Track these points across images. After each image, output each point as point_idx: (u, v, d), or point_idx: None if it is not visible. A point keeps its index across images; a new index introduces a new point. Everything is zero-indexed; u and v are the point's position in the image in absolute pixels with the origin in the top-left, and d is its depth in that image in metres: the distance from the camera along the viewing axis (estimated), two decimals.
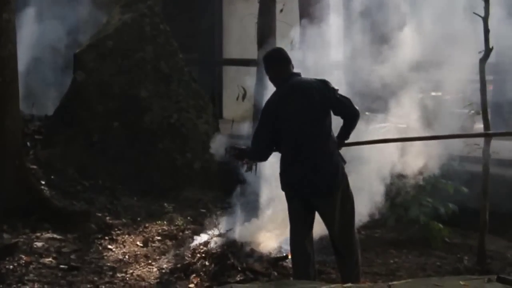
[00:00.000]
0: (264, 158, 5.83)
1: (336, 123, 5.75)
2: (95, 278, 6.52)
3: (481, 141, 6.87)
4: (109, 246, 7.40)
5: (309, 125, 5.57)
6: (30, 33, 12.04)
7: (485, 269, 6.59)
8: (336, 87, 5.65)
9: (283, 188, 5.78)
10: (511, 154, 8.81)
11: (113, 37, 9.68)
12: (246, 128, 10.18)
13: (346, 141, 5.88)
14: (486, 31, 6.67)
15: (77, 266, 6.74)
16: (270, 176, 6.79)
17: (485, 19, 6.67)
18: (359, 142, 6.23)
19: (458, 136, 6.64)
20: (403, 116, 7.18)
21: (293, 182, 5.65)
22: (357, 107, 5.71)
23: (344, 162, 5.69)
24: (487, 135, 6.68)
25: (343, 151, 5.80)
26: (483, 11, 6.71)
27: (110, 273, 6.67)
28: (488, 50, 6.69)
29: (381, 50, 7.49)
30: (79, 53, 9.70)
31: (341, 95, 5.64)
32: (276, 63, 5.77)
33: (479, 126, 7.54)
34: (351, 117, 5.72)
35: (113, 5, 10.42)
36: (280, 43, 9.22)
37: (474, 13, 6.76)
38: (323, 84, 5.65)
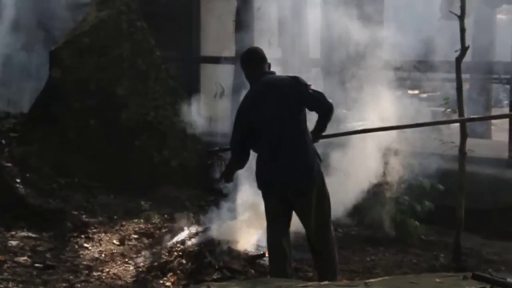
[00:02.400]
0: (245, 163, 5.89)
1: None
2: (71, 277, 6.47)
3: (457, 139, 6.90)
4: (85, 245, 7.35)
5: (283, 122, 5.59)
6: (4, 30, 11.94)
7: (460, 266, 6.62)
8: (308, 83, 5.68)
9: (259, 187, 5.80)
10: (486, 152, 8.89)
11: (90, 34, 9.60)
12: (223, 126, 10.18)
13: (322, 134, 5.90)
14: (462, 30, 6.71)
15: (52, 265, 6.69)
16: (247, 174, 6.78)
17: (461, 18, 6.70)
18: (335, 134, 6.24)
19: (437, 123, 6.68)
20: (380, 114, 7.20)
21: (270, 180, 5.67)
22: (330, 101, 5.72)
23: (320, 160, 5.71)
24: (471, 120, 6.75)
25: (319, 149, 5.81)
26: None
27: (86, 271, 6.63)
28: (464, 49, 6.72)
29: (358, 48, 7.51)
30: (55, 50, 9.62)
31: (314, 90, 5.66)
32: (251, 62, 5.83)
33: (455, 124, 7.59)
34: (325, 111, 5.74)
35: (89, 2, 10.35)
36: (258, 41, 9.22)
37: (450, 11, 6.80)
38: (295, 80, 5.68)
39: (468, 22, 7.96)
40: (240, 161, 5.90)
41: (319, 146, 5.91)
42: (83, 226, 7.78)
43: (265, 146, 5.65)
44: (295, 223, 5.87)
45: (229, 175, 6.08)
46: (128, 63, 9.65)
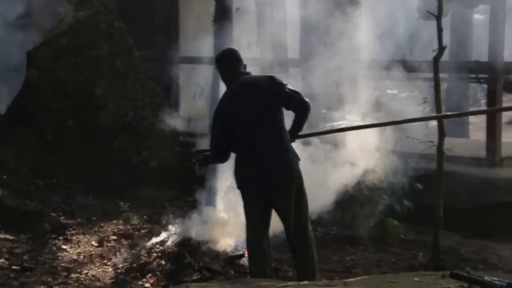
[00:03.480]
0: (225, 160, 5.90)
1: None
2: (49, 279, 6.44)
3: (435, 138, 6.94)
4: (63, 246, 7.31)
5: (260, 122, 5.60)
6: None
7: (439, 265, 6.66)
8: (284, 82, 5.69)
9: (238, 187, 5.81)
10: (464, 151, 8.94)
11: (67, 34, 9.56)
12: (202, 126, 10.16)
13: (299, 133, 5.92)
14: (440, 30, 6.74)
15: (30, 267, 6.65)
16: (226, 174, 6.78)
17: (439, 18, 6.74)
18: (312, 133, 6.25)
19: (413, 120, 6.69)
20: (359, 113, 7.22)
21: (249, 179, 5.68)
22: (307, 100, 5.73)
23: (299, 159, 5.72)
24: (446, 116, 6.80)
25: (298, 149, 5.82)
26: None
27: (64, 273, 6.60)
28: (441, 49, 6.76)
29: (337, 48, 7.52)
30: (32, 51, 9.57)
31: (290, 89, 5.67)
32: (226, 63, 5.86)
33: (433, 124, 7.63)
34: (301, 110, 5.74)
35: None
36: (236, 41, 9.21)
37: (428, 11, 6.83)
38: (271, 80, 5.70)
39: (446, 22, 8.01)
40: (219, 160, 5.96)
41: (296, 145, 5.92)
42: (61, 227, 7.73)
43: (243, 146, 5.66)
44: (275, 223, 5.88)
45: (205, 164, 6.20)
46: (106, 63, 9.62)
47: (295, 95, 5.68)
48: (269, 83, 5.67)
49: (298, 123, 5.82)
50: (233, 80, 5.77)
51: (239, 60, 5.85)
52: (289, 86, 5.68)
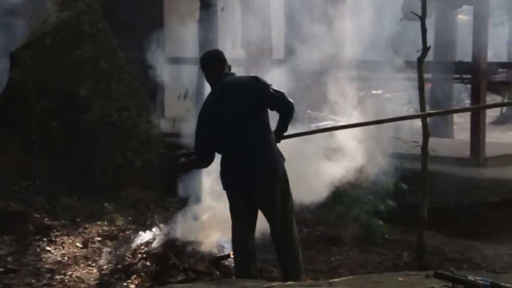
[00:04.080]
0: (208, 163, 5.90)
1: None
2: (33, 281, 6.41)
3: (420, 138, 6.96)
4: (48, 248, 7.28)
5: (245, 122, 5.60)
6: None
7: (424, 265, 6.68)
8: (269, 82, 5.69)
9: (224, 187, 5.81)
10: (449, 151, 8.98)
11: (51, 35, 9.53)
12: (187, 127, 10.13)
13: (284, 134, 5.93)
14: (424, 30, 6.77)
15: (13, 269, 6.62)
16: (211, 174, 6.77)
17: (422, 18, 6.77)
18: (298, 133, 6.25)
19: (401, 119, 6.72)
20: (344, 113, 7.23)
21: (235, 180, 5.68)
22: (291, 100, 5.74)
23: (284, 159, 5.73)
24: (429, 115, 6.81)
25: (282, 149, 5.82)
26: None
27: (48, 275, 6.57)
28: (425, 49, 6.78)
29: (322, 49, 7.53)
30: (15, 51, 9.53)
31: (274, 90, 5.68)
32: (211, 64, 5.85)
33: (418, 124, 7.65)
34: (286, 111, 5.77)
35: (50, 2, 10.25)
36: (221, 41, 9.20)
37: (412, 12, 6.86)
38: (255, 80, 5.71)
39: (430, 22, 8.04)
40: (204, 163, 5.93)
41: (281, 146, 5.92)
42: (45, 229, 7.70)
43: (229, 147, 5.66)
44: (260, 224, 5.88)
45: (186, 170, 6.10)
46: (90, 64, 9.59)
47: (279, 95, 5.69)
48: (254, 83, 5.67)
49: (283, 123, 5.85)
50: (217, 81, 5.76)
51: (223, 61, 5.85)
52: (274, 87, 5.69)
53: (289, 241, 5.76)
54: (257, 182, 5.62)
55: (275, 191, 5.63)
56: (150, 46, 11.13)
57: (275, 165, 5.63)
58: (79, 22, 9.65)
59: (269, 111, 5.72)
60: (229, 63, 5.88)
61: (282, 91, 5.74)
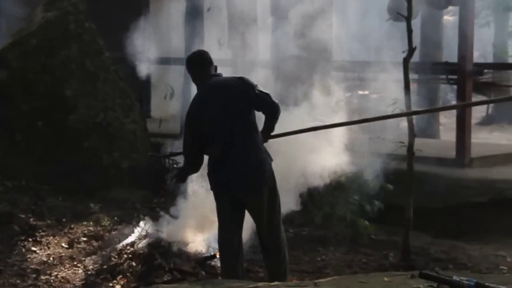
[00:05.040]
0: (199, 165, 5.88)
1: None
2: (18, 281, 6.39)
3: (406, 139, 6.98)
4: (33, 248, 7.25)
5: (232, 123, 5.61)
6: None
7: (409, 265, 6.70)
8: (255, 83, 5.70)
9: (212, 188, 5.80)
10: (435, 151, 9.02)
11: (37, 34, 9.48)
12: (174, 127, 10.13)
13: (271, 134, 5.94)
14: (409, 31, 6.79)
15: None
16: (197, 175, 6.76)
17: (408, 19, 6.79)
18: (284, 133, 6.25)
19: (387, 117, 6.73)
20: (330, 113, 7.23)
21: (222, 180, 5.68)
22: (276, 101, 5.75)
23: (271, 159, 5.74)
24: (415, 113, 6.86)
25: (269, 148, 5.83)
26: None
27: (34, 275, 6.55)
28: (411, 50, 6.80)
29: (308, 49, 7.54)
30: (1, 51, 9.47)
31: (260, 91, 5.69)
32: (197, 65, 5.84)
33: (404, 124, 7.67)
34: (271, 112, 5.79)
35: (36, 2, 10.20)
36: (207, 41, 9.20)
37: (398, 13, 6.88)
38: (241, 81, 5.72)
39: (416, 23, 8.07)
40: (194, 165, 5.90)
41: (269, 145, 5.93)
42: (30, 229, 7.67)
43: (216, 148, 5.66)
44: (247, 224, 5.88)
45: (183, 178, 6.12)
46: (76, 64, 9.54)
47: (264, 96, 5.70)
48: (239, 84, 5.68)
49: (269, 124, 5.86)
50: (203, 82, 5.76)
51: (209, 62, 5.84)
52: (259, 88, 5.70)
53: (276, 242, 5.77)
54: (244, 183, 5.62)
55: (263, 191, 5.64)
56: (136, 46, 11.12)
57: (262, 166, 5.64)
58: (65, 22, 9.60)
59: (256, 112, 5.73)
60: (215, 63, 5.88)
61: (267, 92, 5.75)
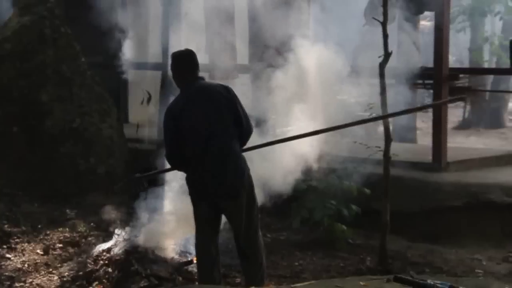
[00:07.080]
0: (180, 166, 5.83)
1: None
2: None
3: (382, 143, 7.01)
4: (7, 255, 7.19)
5: (214, 129, 5.60)
6: None
7: (386, 269, 6.72)
8: (238, 97, 5.70)
9: (190, 193, 5.78)
10: (411, 156, 9.05)
11: (12, 39, 9.44)
12: (151, 132, 10.08)
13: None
14: (385, 36, 6.82)
15: None
16: (174, 180, 6.74)
17: (384, 24, 6.82)
18: (257, 145, 6.20)
19: (358, 123, 6.74)
20: (307, 119, 7.24)
21: (200, 186, 5.68)
22: (252, 124, 5.82)
23: (248, 168, 5.74)
24: (392, 115, 6.99)
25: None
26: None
27: (8, 283, 6.50)
28: (387, 55, 6.84)
29: (285, 55, 7.54)
30: None
31: (242, 107, 5.71)
32: (184, 65, 5.79)
33: (381, 129, 7.69)
34: (246, 133, 5.79)
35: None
36: (185, 46, 9.15)
37: (373, 18, 6.91)
38: (226, 90, 5.74)
39: (393, 28, 8.09)
40: (178, 161, 5.80)
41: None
42: (5, 236, 7.62)
43: (195, 152, 5.64)
44: (224, 230, 5.87)
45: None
46: (52, 69, 9.50)
47: (246, 116, 5.75)
48: (225, 92, 5.71)
49: (241, 144, 5.83)
50: (188, 84, 5.72)
51: (196, 64, 5.80)
52: (241, 104, 5.71)
53: (253, 247, 5.77)
54: (222, 189, 5.62)
55: (241, 196, 5.64)
56: (113, 51, 11.07)
57: (241, 171, 5.64)
58: (40, 27, 9.55)
59: None
60: None
61: (246, 111, 5.75)
